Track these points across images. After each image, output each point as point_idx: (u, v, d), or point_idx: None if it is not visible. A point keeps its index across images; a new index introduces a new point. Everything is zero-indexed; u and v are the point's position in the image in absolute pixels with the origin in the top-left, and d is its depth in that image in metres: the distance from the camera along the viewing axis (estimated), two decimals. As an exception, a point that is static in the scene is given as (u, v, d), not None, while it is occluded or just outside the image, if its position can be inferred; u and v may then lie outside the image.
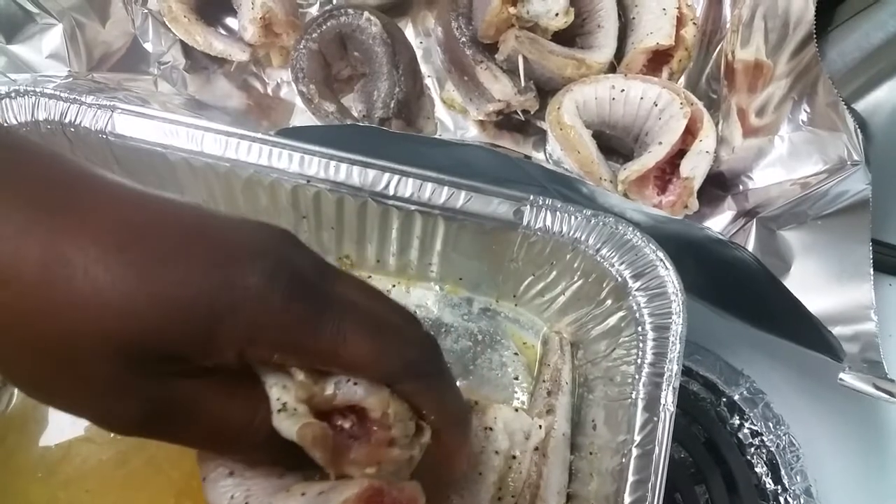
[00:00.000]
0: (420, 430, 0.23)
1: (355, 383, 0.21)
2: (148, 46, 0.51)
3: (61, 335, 0.18)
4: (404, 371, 0.22)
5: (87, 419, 0.20)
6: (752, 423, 0.40)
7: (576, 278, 0.35)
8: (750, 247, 0.38)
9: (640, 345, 0.31)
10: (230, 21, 0.52)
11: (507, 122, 0.49)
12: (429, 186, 0.33)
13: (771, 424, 0.40)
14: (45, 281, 0.18)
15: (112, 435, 0.36)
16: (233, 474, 0.22)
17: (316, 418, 0.21)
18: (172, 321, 0.18)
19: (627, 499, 0.28)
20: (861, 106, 0.36)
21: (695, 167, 0.41)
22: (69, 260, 0.18)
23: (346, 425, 0.22)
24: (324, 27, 0.46)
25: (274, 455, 0.21)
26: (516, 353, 0.38)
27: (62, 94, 0.34)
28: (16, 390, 0.37)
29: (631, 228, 0.33)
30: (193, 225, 0.20)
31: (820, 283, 0.34)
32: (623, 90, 0.43)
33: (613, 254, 0.33)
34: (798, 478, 0.38)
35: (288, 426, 0.20)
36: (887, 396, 0.30)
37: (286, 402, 0.20)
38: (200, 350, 0.19)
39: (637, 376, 0.30)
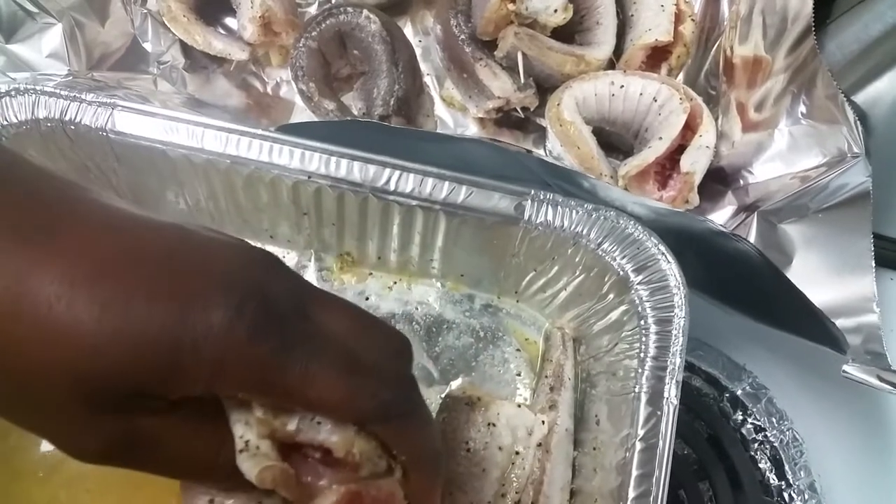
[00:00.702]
0: (391, 468, 0.22)
1: (318, 422, 0.20)
2: (147, 46, 0.51)
3: (24, 369, 0.18)
4: (374, 413, 0.21)
5: (57, 448, 0.20)
6: (755, 419, 0.40)
7: (577, 273, 0.35)
8: (751, 241, 0.38)
9: (643, 339, 0.31)
10: (229, 20, 0.53)
11: (506, 119, 0.49)
12: (430, 182, 0.33)
13: (774, 420, 0.40)
14: (10, 314, 0.18)
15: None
16: (212, 502, 0.22)
17: (283, 450, 0.20)
18: (136, 359, 0.18)
19: (632, 493, 0.28)
20: (861, 98, 0.36)
21: (695, 162, 0.41)
22: (35, 294, 0.18)
23: (316, 455, 0.21)
24: (323, 25, 0.47)
25: (247, 483, 0.21)
26: (518, 350, 0.38)
27: (62, 93, 0.34)
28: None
29: (632, 222, 0.33)
30: (164, 256, 0.19)
31: (821, 276, 0.34)
32: (622, 86, 0.43)
33: (615, 248, 0.33)
34: (802, 473, 0.38)
35: (248, 468, 0.20)
36: (891, 388, 0.30)
37: (248, 441, 0.20)
38: (164, 386, 0.19)
39: (640, 370, 0.30)
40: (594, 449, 0.32)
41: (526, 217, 0.33)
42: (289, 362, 0.19)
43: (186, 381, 0.19)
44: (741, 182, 0.42)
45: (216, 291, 0.19)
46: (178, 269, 0.19)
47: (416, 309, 0.39)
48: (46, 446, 0.35)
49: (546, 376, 0.35)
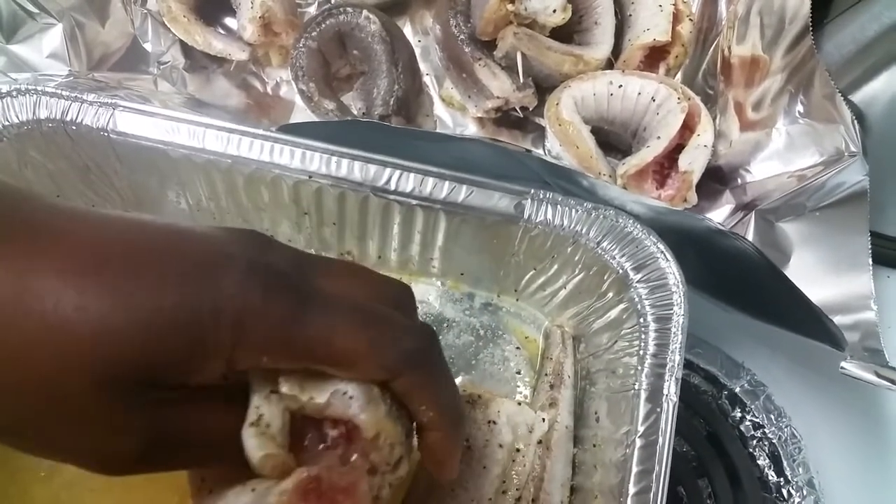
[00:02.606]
0: (397, 465, 0.22)
1: (351, 396, 0.20)
2: (147, 46, 0.51)
3: (42, 375, 0.17)
4: (403, 361, 0.20)
5: (83, 466, 0.19)
6: (753, 416, 0.40)
7: (577, 271, 0.35)
8: (749, 239, 0.38)
9: (642, 336, 0.31)
10: (229, 21, 0.53)
11: (505, 118, 0.49)
12: (430, 181, 0.33)
13: (772, 417, 0.40)
14: (16, 318, 0.17)
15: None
16: (204, 480, 0.21)
17: (305, 422, 0.20)
18: (155, 338, 0.18)
19: (632, 489, 0.28)
20: (858, 97, 0.36)
21: (693, 161, 0.42)
22: (38, 293, 0.17)
23: (334, 434, 0.20)
24: (323, 26, 0.47)
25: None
26: (518, 348, 0.38)
27: (63, 93, 0.34)
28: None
29: (631, 221, 0.33)
30: (161, 240, 0.19)
31: (819, 274, 0.35)
32: (621, 86, 0.43)
33: (614, 246, 0.33)
34: (800, 469, 0.39)
35: (253, 445, 0.19)
36: (889, 384, 0.30)
37: (262, 415, 0.19)
38: (188, 364, 0.18)
39: (639, 367, 0.30)
40: (594, 446, 0.33)
41: (526, 216, 0.33)
42: (307, 317, 0.19)
43: (210, 353, 0.18)
44: (739, 181, 0.42)
45: (223, 263, 0.19)
46: (180, 250, 0.19)
47: (418, 308, 0.39)
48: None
49: (546, 374, 0.36)
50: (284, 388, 0.20)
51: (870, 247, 0.33)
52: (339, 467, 0.20)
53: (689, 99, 0.42)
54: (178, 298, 0.18)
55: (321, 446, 0.21)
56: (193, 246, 0.19)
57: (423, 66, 0.51)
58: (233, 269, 0.19)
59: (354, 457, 0.20)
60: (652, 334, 0.31)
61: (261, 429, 0.19)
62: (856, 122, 0.35)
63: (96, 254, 0.18)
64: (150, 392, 0.18)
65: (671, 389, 0.29)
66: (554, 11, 0.43)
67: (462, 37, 0.46)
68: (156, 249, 0.19)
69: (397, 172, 0.33)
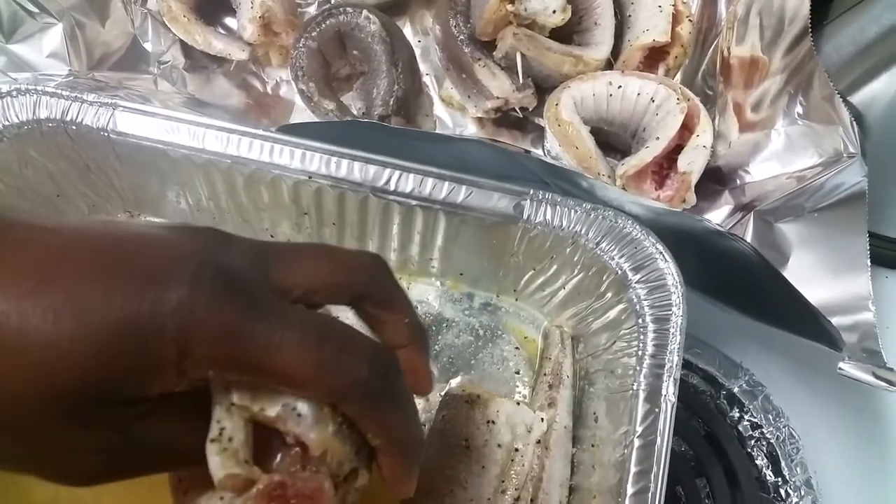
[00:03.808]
0: (355, 474, 0.21)
1: (300, 414, 0.19)
2: (148, 46, 0.51)
3: None
4: (351, 389, 0.19)
5: (49, 480, 0.18)
6: (751, 416, 0.40)
7: (576, 272, 0.35)
8: (748, 240, 0.38)
9: (641, 337, 0.31)
10: (229, 20, 0.53)
11: (505, 119, 0.49)
12: (429, 181, 0.33)
13: (771, 417, 0.40)
14: None
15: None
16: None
17: (260, 426, 0.20)
18: (100, 355, 0.17)
19: (630, 489, 0.28)
20: (857, 99, 0.36)
21: (692, 162, 0.42)
22: None
23: (289, 440, 0.20)
24: (323, 26, 0.47)
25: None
26: (517, 348, 0.38)
27: (63, 93, 0.34)
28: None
29: (630, 221, 0.33)
30: (108, 248, 0.18)
31: (818, 275, 0.35)
32: (620, 86, 0.44)
33: (613, 247, 0.33)
34: (798, 469, 0.39)
35: (215, 464, 0.19)
36: (887, 385, 0.30)
37: (224, 429, 0.19)
38: (137, 379, 0.18)
39: (638, 368, 0.30)
40: (593, 446, 0.33)
41: (525, 216, 0.33)
42: (257, 328, 0.18)
43: (159, 367, 0.18)
44: (738, 182, 0.42)
45: (171, 269, 0.18)
46: (130, 258, 0.18)
47: (416, 307, 0.39)
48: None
49: (545, 374, 0.36)
50: (235, 398, 0.19)
51: (868, 248, 0.33)
52: (303, 473, 0.20)
53: (689, 100, 0.42)
54: (123, 312, 0.17)
55: (285, 450, 0.20)
56: (146, 251, 0.19)
57: (422, 67, 0.51)
58: (179, 277, 0.18)
59: (306, 471, 0.20)
60: (650, 335, 0.31)
61: (223, 444, 0.19)
62: (855, 123, 0.35)
63: (42, 270, 0.17)
64: (107, 409, 0.18)
65: (669, 390, 0.30)
66: (553, 12, 0.43)
67: (462, 37, 0.46)
68: (103, 260, 0.18)
69: (397, 173, 0.34)
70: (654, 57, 0.47)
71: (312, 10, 0.53)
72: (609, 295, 0.34)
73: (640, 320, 0.32)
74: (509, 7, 0.43)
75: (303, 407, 0.20)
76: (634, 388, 0.30)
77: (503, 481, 0.31)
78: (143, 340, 0.17)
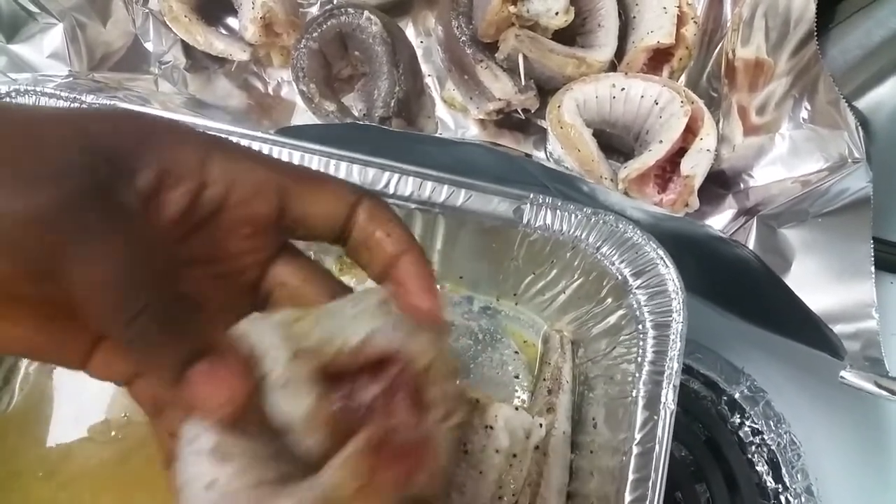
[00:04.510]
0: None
1: (393, 327, 0.18)
2: (149, 46, 0.51)
3: None
4: (358, 188, 0.21)
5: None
6: (752, 422, 0.40)
7: (576, 276, 0.35)
8: (751, 245, 0.38)
9: (641, 343, 0.31)
10: (231, 21, 0.53)
11: (507, 120, 0.49)
12: (429, 185, 0.33)
13: (772, 423, 0.40)
14: None
15: (112, 433, 0.36)
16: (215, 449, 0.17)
17: (332, 390, 0.17)
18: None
19: (628, 497, 0.28)
20: (863, 103, 0.36)
21: (695, 165, 0.41)
22: None
23: (367, 397, 0.17)
24: (324, 26, 0.47)
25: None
26: (517, 352, 0.38)
27: (63, 94, 0.34)
28: (17, 390, 0.37)
29: (631, 226, 0.33)
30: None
31: (821, 282, 0.34)
32: (623, 89, 0.43)
33: (614, 252, 0.33)
34: (799, 476, 0.38)
35: (289, 405, 0.16)
36: (889, 394, 0.30)
37: (290, 378, 0.16)
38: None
39: (637, 374, 0.30)
40: (591, 452, 0.33)
41: (525, 220, 0.33)
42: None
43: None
44: (742, 186, 0.42)
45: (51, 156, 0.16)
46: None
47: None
48: (47, 446, 0.35)
49: (544, 379, 0.36)
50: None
51: (872, 254, 0.33)
52: (409, 416, 0.17)
53: (693, 102, 0.42)
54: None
55: (361, 415, 0.17)
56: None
57: (425, 68, 0.50)
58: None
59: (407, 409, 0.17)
60: (650, 341, 0.31)
61: (283, 379, 0.16)
62: (860, 128, 0.35)
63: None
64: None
65: (669, 397, 0.29)
66: (556, 14, 0.43)
67: (464, 38, 0.46)
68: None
69: (396, 176, 0.33)
70: (658, 59, 0.46)
71: (314, 10, 0.53)
72: (609, 300, 0.34)
73: (639, 326, 0.31)
74: (511, 9, 0.42)
75: (387, 323, 0.18)
76: (634, 394, 0.30)
77: (501, 487, 0.31)
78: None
